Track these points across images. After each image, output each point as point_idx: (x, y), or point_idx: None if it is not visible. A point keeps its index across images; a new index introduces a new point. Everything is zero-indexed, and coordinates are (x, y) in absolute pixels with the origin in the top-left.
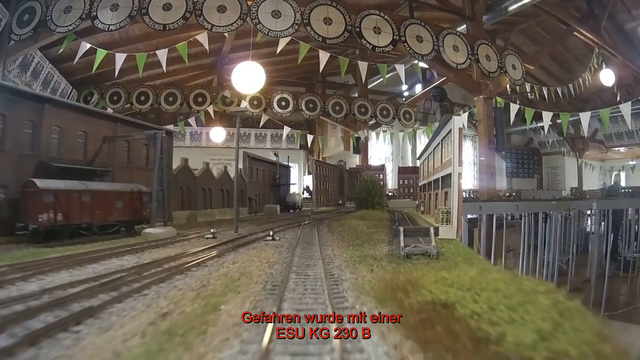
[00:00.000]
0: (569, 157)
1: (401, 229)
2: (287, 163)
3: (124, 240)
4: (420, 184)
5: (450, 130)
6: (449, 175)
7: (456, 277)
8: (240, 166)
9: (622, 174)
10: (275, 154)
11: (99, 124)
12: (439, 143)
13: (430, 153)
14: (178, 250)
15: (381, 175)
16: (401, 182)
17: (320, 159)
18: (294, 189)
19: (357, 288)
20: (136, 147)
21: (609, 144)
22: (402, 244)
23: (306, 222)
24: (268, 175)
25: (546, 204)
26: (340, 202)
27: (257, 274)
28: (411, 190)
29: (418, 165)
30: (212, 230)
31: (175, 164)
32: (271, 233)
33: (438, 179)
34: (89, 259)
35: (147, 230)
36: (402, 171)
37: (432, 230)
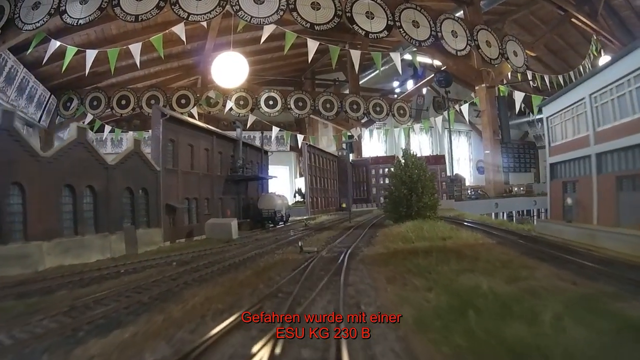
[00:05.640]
0: None
1: None
2: (262, 146)
3: None
4: (554, 161)
5: None
6: None
7: None
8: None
9: None
10: (233, 123)
11: None
12: None
13: None
14: None
15: (392, 169)
16: None
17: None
18: (274, 187)
19: None
20: None
21: None
22: None
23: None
24: (221, 161)
25: None
26: (344, 205)
27: None
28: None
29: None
30: None
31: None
32: None
33: None
34: None
35: None
36: None
37: None
